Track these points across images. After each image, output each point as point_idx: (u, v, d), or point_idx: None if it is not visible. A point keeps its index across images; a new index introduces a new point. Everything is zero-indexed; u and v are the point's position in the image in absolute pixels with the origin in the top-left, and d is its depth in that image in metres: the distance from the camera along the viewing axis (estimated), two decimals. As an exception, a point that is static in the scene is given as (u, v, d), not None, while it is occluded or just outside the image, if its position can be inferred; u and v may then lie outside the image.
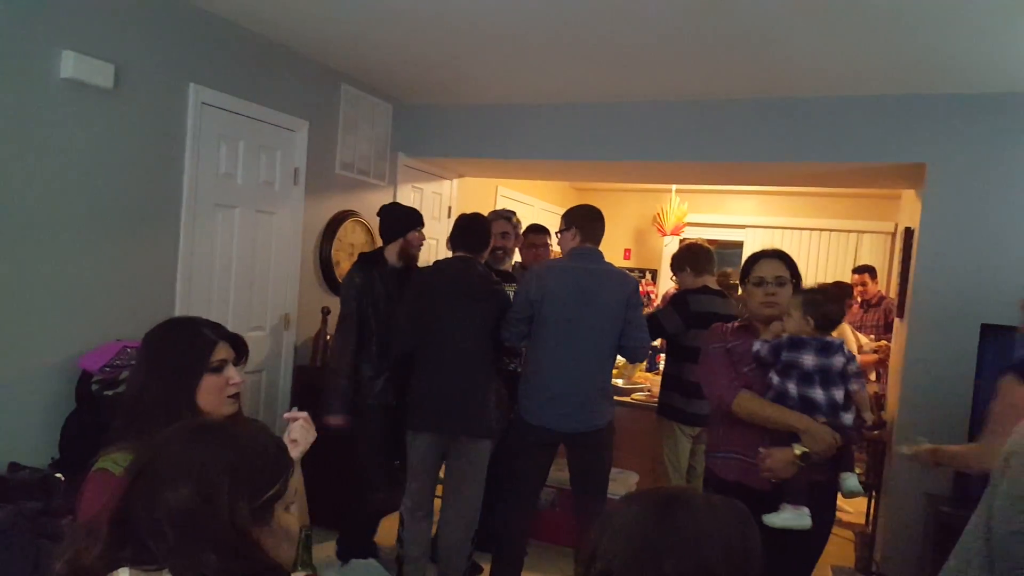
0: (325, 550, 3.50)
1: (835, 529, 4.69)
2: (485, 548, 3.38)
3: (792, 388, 2.33)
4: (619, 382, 4.44)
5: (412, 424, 3.14)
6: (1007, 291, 3.46)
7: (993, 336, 3.14)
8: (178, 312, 3.29)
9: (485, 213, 3.56)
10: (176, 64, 3.23)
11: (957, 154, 3.58)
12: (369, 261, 3.48)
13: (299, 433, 1.69)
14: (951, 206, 3.60)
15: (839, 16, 2.79)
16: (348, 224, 4.36)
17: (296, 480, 1.64)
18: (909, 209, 4.78)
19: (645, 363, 5.19)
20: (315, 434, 1.72)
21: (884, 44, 3.04)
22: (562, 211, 3.42)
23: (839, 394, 2.33)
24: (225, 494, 1.08)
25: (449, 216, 5.24)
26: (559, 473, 3.50)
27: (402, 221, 3.46)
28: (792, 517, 2.24)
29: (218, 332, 1.68)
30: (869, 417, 2.30)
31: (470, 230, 3.27)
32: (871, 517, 4.36)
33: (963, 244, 3.56)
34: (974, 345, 3.17)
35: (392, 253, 3.45)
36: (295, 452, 1.66)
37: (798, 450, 2.25)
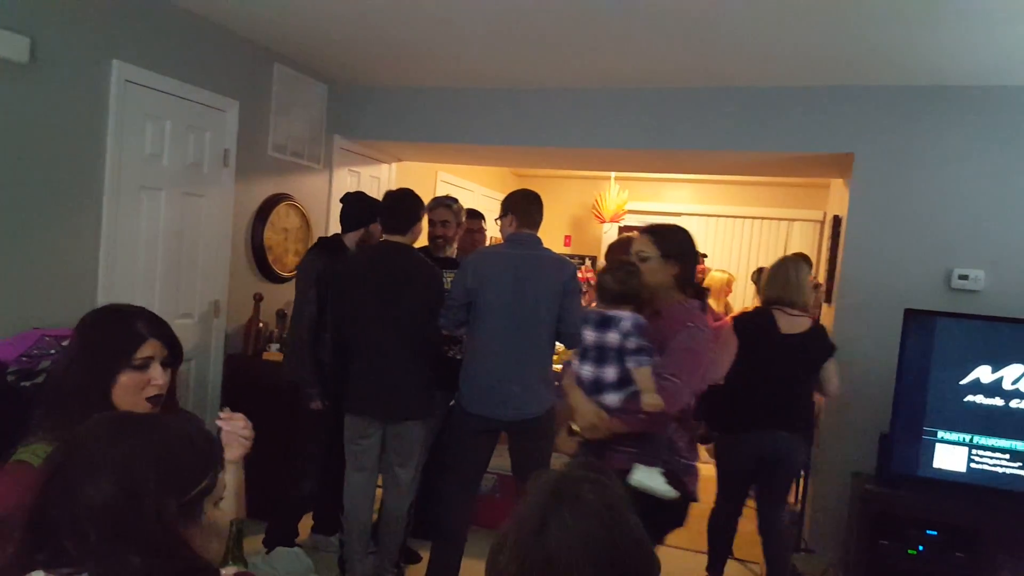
0: (253, 542, 3.44)
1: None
2: (426, 535, 3.37)
3: (575, 363, 2.32)
4: (559, 369, 4.46)
5: (348, 407, 3.17)
6: (929, 277, 3.62)
7: (916, 320, 3.27)
8: (100, 300, 3.15)
9: (425, 199, 3.51)
10: (98, 39, 3.07)
11: (883, 144, 3.71)
12: (328, 248, 3.42)
13: (233, 439, 1.61)
14: (877, 195, 3.73)
15: (774, 8, 2.83)
16: (282, 208, 4.24)
17: (236, 478, 1.59)
18: (837, 198, 4.93)
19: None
20: (252, 434, 1.65)
21: (816, 36, 3.11)
22: (502, 197, 3.40)
23: (610, 371, 2.24)
24: (151, 490, 1.03)
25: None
26: (500, 460, 3.51)
27: (366, 211, 3.44)
28: (643, 476, 2.19)
29: (153, 328, 1.58)
30: (652, 399, 2.11)
31: (391, 210, 3.22)
32: (800, 496, 4.51)
33: (888, 232, 3.70)
34: (897, 329, 3.29)
35: (352, 241, 3.45)
36: (235, 454, 1.59)
37: (575, 427, 2.27)
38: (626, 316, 2.25)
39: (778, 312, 3.29)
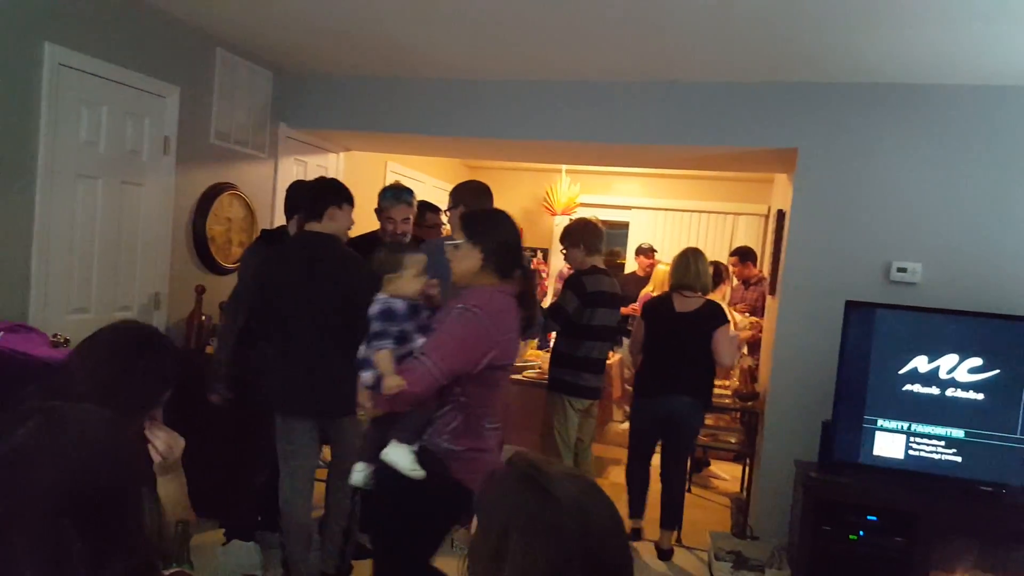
0: (208, 537, 3.37)
1: (713, 496, 5.03)
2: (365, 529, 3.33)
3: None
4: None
5: (276, 408, 2.99)
6: (869, 270, 3.72)
7: (856, 312, 3.36)
8: (33, 292, 3.03)
9: (375, 189, 3.45)
10: (28, 20, 2.93)
11: (826, 140, 3.79)
12: (272, 239, 3.31)
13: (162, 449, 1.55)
14: (820, 190, 3.81)
15: (719, 5, 2.86)
16: (225, 197, 4.13)
17: (176, 483, 1.53)
18: (781, 192, 5.04)
19: (536, 341, 5.27)
20: (181, 442, 1.58)
21: (761, 34, 3.15)
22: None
23: (363, 351, 2.30)
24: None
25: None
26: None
27: (318, 199, 3.28)
28: (390, 451, 2.23)
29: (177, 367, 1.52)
30: (390, 382, 2.13)
31: (303, 197, 3.11)
32: (746, 484, 4.61)
33: (830, 226, 3.79)
34: (839, 320, 3.38)
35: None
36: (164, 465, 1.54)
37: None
38: (377, 300, 2.31)
39: (676, 295, 3.85)
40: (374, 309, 2.30)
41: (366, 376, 2.27)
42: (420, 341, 2.27)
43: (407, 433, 2.26)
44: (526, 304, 2.36)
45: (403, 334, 2.28)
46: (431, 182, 6.87)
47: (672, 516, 3.91)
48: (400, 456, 2.22)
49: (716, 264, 5.54)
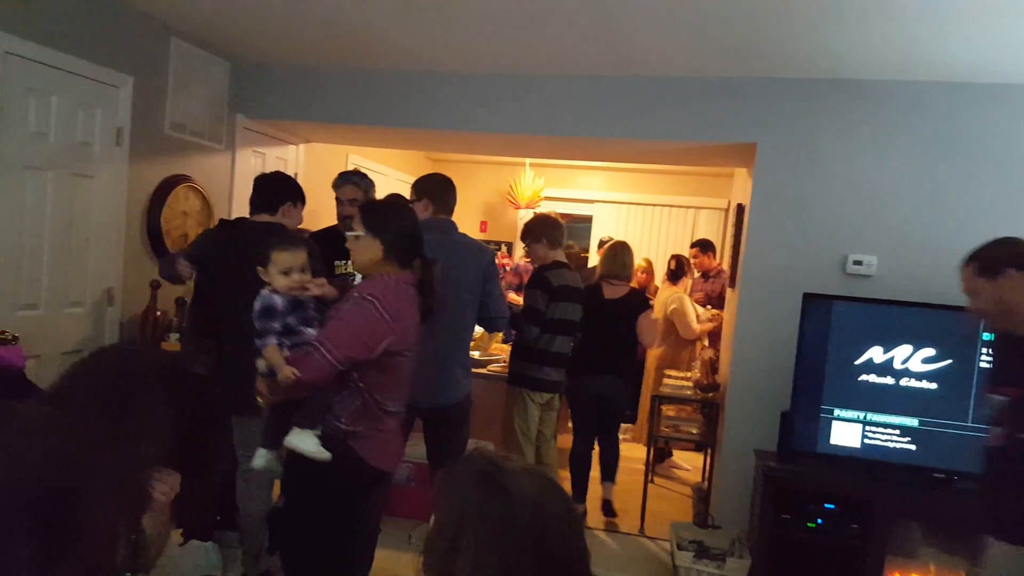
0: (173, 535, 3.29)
1: (675, 486, 5.09)
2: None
3: None
4: (476, 354, 4.47)
5: (234, 407, 2.92)
6: (827, 262, 3.78)
7: (813, 304, 3.41)
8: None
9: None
10: (-32, 3, 2.82)
11: (784, 135, 3.84)
12: (230, 229, 3.23)
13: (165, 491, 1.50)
14: (778, 184, 3.86)
15: (679, 2, 2.88)
16: (180, 190, 4.03)
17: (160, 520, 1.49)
18: (741, 186, 5.10)
19: (502, 334, 5.26)
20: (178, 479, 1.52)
21: (720, 28, 3.17)
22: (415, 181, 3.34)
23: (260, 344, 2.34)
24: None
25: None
26: (414, 448, 3.47)
27: (280, 195, 3.17)
28: (293, 438, 2.26)
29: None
30: (282, 374, 2.19)
31: (258, 188, 3.09)
32: (707, 474, 4.67)
33: (788, 219, 3.84)
34: (797, 312, 3.43)
35: None
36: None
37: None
38: (260, 296, 2.33)
39: (605, 283, 4.26)
40: (256, 306, 2.31)
41: (260, 364, 2.30)
42: (310, 332, 2.32)
43: (308, 419, 2.28)
44: (425, 292, 2.41)
45: (287, 328, 2.31)
46: (394, 175, 6.81)
47: (610, 470, 4.41)
48: (304, 441, 2.26)
49: (679, 258, 5.61)
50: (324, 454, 2.25)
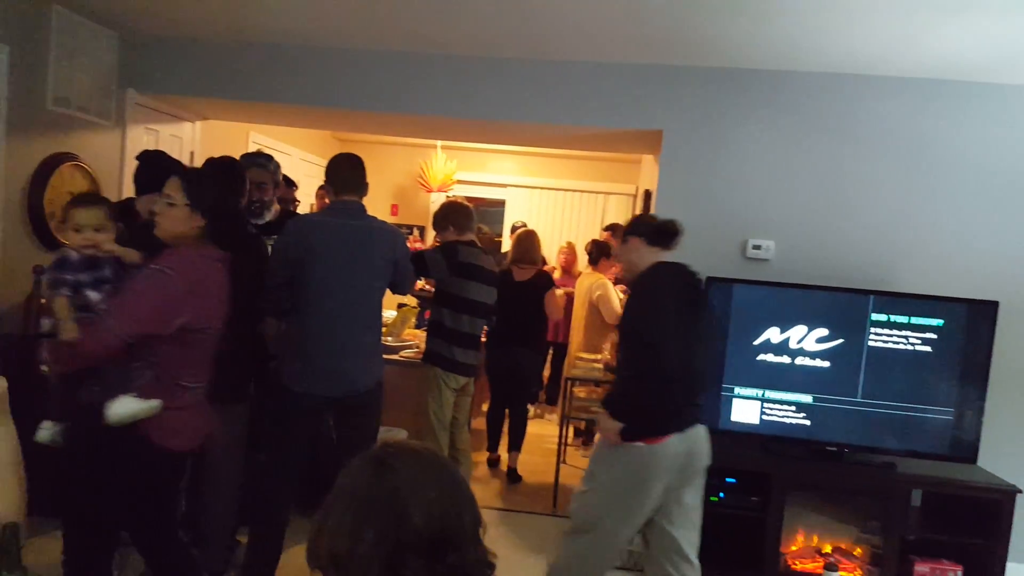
0: (49, 542, 3.07)
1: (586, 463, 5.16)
2: (242, 521, 3.18)
3: None
4: (388, 339, 4.40)
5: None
6: (728, 247, 3.91)
7: (718, 287, 3.53)
8: None
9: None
10: None
11: (689, 122, 3.93)
12: (117, 211, 3.02)
13: None
14: (683, 170, 3.96)
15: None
16: (65, 169, 3.77)
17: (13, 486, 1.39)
18: (648, 173, 5.21)
19: (414, 320, 5.21)
20: None
21: (628, 15, 3.21)
22: (323, 162, 3.23)
23: (49, 295, 2.37)
24: None
25: (191, 163, 4.75)
26: (321, 436, 3.38)
27: (165, 173, 3.01)
28: (117, 407, 2.20)
29: None
30: (68, 328, 2.17)
31: (141, 167, 2.97)
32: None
33: (693, 205, 3.94)
34: (702, 295, 3.53)
35: (144, 208, 2.93)
36: None
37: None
38: (59, 251, 2.39)
39: (515, 267, 4.87)
40: (53, 258, 2.35)
41: (44, 323, 2.27)
42: (93, 295, 2.29)
43: (118, 388, 2.20)
44: (232, 270, 2.37)
45: (77, 284, 2.30)
46: (297, 154, 6.61)
47: (517, 440, 5.04)
48: (127, 406, 2.17)
49: (597, 242, 5.67)
50: (152, 402, 2.18)
